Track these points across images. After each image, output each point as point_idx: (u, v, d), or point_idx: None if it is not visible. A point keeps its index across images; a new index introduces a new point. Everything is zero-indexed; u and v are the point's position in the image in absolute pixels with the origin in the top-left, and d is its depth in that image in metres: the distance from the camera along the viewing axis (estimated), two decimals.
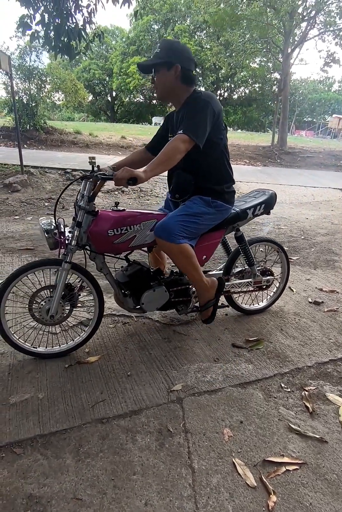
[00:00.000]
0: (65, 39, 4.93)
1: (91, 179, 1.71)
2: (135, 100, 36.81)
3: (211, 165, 1.86)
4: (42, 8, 4.83)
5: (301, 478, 1.38)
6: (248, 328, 2.35)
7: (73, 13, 4.91)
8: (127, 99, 36.47)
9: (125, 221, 1.80)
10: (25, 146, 10.74)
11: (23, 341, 1.91)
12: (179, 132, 1.66)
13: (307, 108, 39.31)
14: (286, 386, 1.85)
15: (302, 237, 4.45)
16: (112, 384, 1.79)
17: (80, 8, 4.96)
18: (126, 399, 1.70)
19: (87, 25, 5.12)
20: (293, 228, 4.86)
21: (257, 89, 34.93)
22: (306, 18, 11.87)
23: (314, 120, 42.08)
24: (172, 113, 2.01)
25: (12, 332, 1.86)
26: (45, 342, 2.01)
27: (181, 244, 1.80)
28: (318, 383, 1.88)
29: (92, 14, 5.01)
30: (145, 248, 2.04)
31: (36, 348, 1.94)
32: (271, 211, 2.35)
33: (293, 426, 1.59)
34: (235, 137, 19.10)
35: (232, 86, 36.26)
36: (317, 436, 1.55)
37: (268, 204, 2.31)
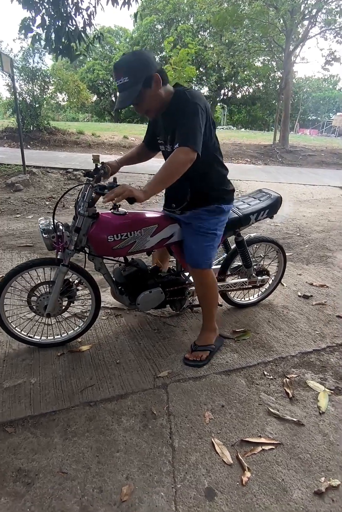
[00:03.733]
0: (66, 41, 5.04)
1: (92, 187, 1.67)
2: None
3: (203, 169, 1.74)
4: (44, 11, 4.94)
5: (276, 457, 1.45)
6: (236, 320, 2.42)
7: (73, 15, 5.02)
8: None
9: (125, 227, 1.78)
10: (28, 146, 10.89)
11: (19, 330, 2.00)
12: (176, 146, 1.55)
13: (311, 106, 39.11)
14: (268, 374, 1.92)
15: (297, 234, 4.51)
16: (101, 370, 1.88)
17: (80, 10, 5.06)
18: (114, 385, 1.79)
19: (87, 27, 5.22)
20: (289, 225, 4.91)
21: (261, 88, 34.86)
22: (307, 16, 11.88)
23: (319, 118, 41.84)
24: None
25: (10, 322, 1.95)
26: (42, 333, 2.09)
27: (211, 268, 1.92)
28: (300, 371, 1.95)
29: (92, 16, 5.11)
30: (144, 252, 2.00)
31: (32, 338, 2.03)
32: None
33: (272, 410, 1.67)
34: (238, 136, 19.10)
35: (236, 85, 36.17)
36: (295, 420, 1.62)
37: (273, 208, 2.27)
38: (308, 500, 1.29)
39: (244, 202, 2.27)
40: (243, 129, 36.82)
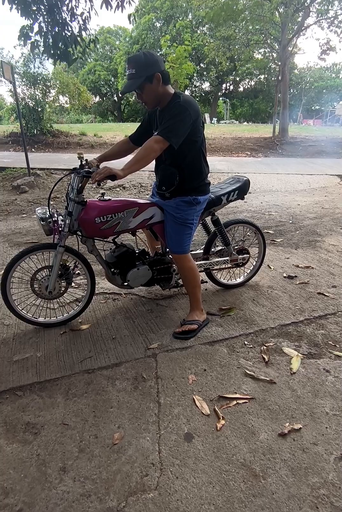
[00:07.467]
0: (63, 46, 5.28)
1: (79, 174, 1.96)
2: None
3: (190, 160, 2.05)
4: (41, 18, 5.19)
5: (248, 409, 1.67)
6: (223, 299, 2.64)
7: (69, 21, 5.25)
8: (133, 98, 36.76)
9: (110, 209, 2.07)
10: (33, 150, 11.21)
11: (25, 312, 2.24)
12: (155, 133, 1.89)
13: (314, 96, 38.78)
14: (249, 343, 2.13)
15: (290, 221, 4.68)
16: (99, 345, 2.12)
17: (75, 16, 5.29)
18: (109, 356, 2.02)
19: (82, 32, 5.45)
20: (283, 214, 5.08)
21: (263, 80, 34.76)
22: (301, 8, 11.92)
23: (322, 108, 41.47)
24: (155, 109, 2.16)
25: (17, 304, 2.20)
26: (46, 314, 2.34)
27: (189, 253, 2.20)
28: (277, 340, 2.16)
29: (87, 21, 5.34)
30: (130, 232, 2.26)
31: (37, 318, 2.28)
32: (246, 196, 2.61)
33: (248, 372, 1.88)
34: (239, 130, 19.19)
35: (237, 79, 36.11)
36: (268, 379, 1.83)
37: (242, 190, 2.54)
38: (273, 440, 1.50)
39: (217, 187, 2.54)
40: (245, 123, 36.76)
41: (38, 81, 11.26)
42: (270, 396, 1.74)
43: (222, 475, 1.37)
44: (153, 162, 2.10)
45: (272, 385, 1.80)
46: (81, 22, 5.31)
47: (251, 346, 2.11)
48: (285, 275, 3.03)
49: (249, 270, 2.86)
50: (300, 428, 1.55)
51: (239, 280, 2.84)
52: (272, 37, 13.52)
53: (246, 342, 2.14)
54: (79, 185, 1.99)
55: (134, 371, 1.90)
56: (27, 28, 5.24)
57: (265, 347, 2.08)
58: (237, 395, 1.73)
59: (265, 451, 1.46)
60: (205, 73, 34.49)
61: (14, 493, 1.30)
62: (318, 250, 3.63)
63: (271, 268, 3.16)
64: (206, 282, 2.72)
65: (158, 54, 2.02)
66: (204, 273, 2.67)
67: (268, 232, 4.13)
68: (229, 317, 2.40)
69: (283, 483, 1.34)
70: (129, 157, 1.96)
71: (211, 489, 1.32)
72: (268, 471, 1.38)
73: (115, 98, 40.71)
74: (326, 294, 2.69)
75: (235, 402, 1.70)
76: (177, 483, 1.34)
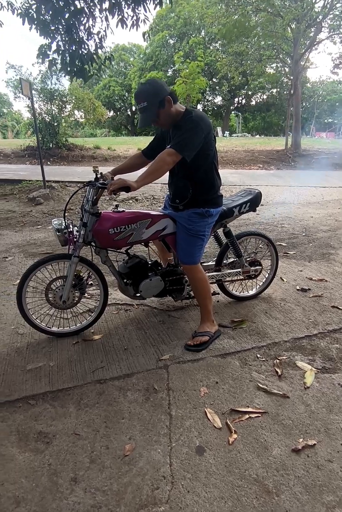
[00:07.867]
0: (79, 64, 5.45)
1: (94, 187, 2.03)
2: None
3: (203, 173, 2.08)
4: (59, 37, 5.39)
5: (261, 423, 1.64)
6: (236, 312, 2.62)
7: (85, 40, 5.43)
8: None
9: (123, 221, 2.11)
10: (48, 163, 11.49)
11: (39, 321, 2.28)
12: (168, 146, 1.94)
13: (326, 109, 38.70)
14: (261, 357, 2.11)
15: (303, 234, 4.64)
16: (111, 355, 2.13)
17: (92, 35, 5.47)
18: (121, 366, 2.03)
19: (98, 50, 5.63)
20: (296, 226, 5.05)
21: (275, 94, 34.92)
22: (313, 24, 12.03)
23: (335, 121, 41.29)
24: None
25: (31, 313, 2.24)
26: (59, 324, 2.37)
27: (199, 264, 2.22)
28: (290, 354, 2.12)
29: (103, 39, 5.51)
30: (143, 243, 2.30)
31: (51, 328, 2.31)
32: (258, 208, 2.63)
33: (261, 385, 1.86)
34: (251, 143, 19.25)
35: (249, 93, 36.41)
36: (281, 393, 1.80)
37: (254, 202, 2.56)
38: (286, 456, 1.47)
39: (229, 199, 2.55)
40: (258, 136, 36.84)
41: (55, 97, 11.62)
42: (283, 411, 1.71)
43: (234, 490, 1.34)
44: (167, 175, 2.14)
45: (285, 400, 1.77)
46: (97, 40, 5.49)
47: (264, 359, 2.08)
48: (298, 288, 2.99)
49: (262, 283, 2.84)
50: (314, 444, 1.52)
51: (251, 292, 2.82)
52: (284, 52, 13.67)
53: (258, 355, 2.11)
54: (94, 197, 2.05)
55: (146, 382, 1.90)
56: (45, 47, 5.45)
57: (278, 361, 2.05)
58: (250, 409, 1.71)
59: (278, 466, 1.43)
60: (217, 87, 34.86)
61: (25, 502, 1.31)
62: (332, 263, 3.58)
63: (283, 281, 3.13)
64: (218, 293, 2.71)
65: (160, 80, 2.09)
66: (216, 284, 2.67)
67: (280, 244, 4.11)
68: (241, 329, 2.38)
69: (297, 501, 1.30)
70: (142, 171, 1.99)
71: (222, 504, 1.29)
72: (281, 488, 1.35)
73: (129, 113, 41.51)
74: (340, 307, 2.65)
75: (247, 416, 1.67)
76: (188, 497, 1.32)
